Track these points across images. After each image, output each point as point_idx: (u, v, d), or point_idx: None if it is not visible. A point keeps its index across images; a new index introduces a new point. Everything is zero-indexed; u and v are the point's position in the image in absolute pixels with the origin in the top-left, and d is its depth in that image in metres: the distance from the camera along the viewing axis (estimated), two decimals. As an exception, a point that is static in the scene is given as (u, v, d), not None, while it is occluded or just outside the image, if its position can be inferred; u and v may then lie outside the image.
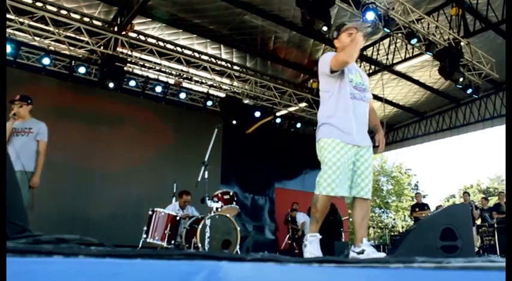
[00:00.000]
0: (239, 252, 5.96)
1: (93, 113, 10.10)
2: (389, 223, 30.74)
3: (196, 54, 10.94)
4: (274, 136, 13.21)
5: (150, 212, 6.38)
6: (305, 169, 13.16)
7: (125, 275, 0.82)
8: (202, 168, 6.15)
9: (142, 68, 10.46)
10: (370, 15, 7.95)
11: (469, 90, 10.55)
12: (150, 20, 9.77)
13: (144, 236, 6.22)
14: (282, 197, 12.73)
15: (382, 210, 31.37)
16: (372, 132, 3.51)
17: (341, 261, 0.88)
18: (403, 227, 28.45)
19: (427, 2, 9.41)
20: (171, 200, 7.47)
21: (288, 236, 11.16)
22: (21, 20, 8.35)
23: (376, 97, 13.39)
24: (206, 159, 6.21)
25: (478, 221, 10.62)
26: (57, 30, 8.78)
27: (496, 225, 9.81)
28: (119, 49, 9.52)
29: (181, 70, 10.73)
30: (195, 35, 10.45)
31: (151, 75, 11.21)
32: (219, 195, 6.52)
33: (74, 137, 9.67)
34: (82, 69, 10.01)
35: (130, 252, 0.95)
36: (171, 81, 11.47)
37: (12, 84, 6.42)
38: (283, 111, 13.23)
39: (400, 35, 9.13)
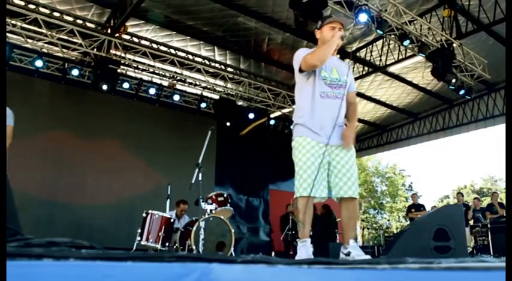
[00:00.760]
0: (233, 254, 5.96)
1: (86, 115, 10.08)
2: (384, 224, 30.83)
3: (190, 56, 10.94)
4: (268, 138, 13.21)
5: (144, 215, 6.37)
6: (299, 170, 13.11)
7: (116, 278, 0.82)
8: (196, 170, 6.13)
9: (136, 70, 10.44)
10: (363, 17, 7.98)
11: (462, 91, 10.60)
12: (143, 22, 9.77)
13: (138, 238, 6.21)
14: (276, 198, 12.72)
15: (377, 211, 31.45)
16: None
17: (330, 262, 0.89)
18: (397, 228, 28.53)
19: (419, 3, 9.47)
20: (165, 202, 7.45)
21: (282, 237, 11.05)
22: (13, 22, 8.31)
23: (369, 98, 13.49)
24: (200, 161, 6.19)
25: (472, 222, 10.66)
26: (50, 33, 8.75)
27: (489, 225, 9.85)
28: (113, 51, 9.50)
29: (175, 72, 10.72)
30: (188, 37, 10.46)
31: (145, 78, 11.19)
32: (213, 197, 6.52)
33: (67, 139, 9.64)
34: (75, 72, 9.98)
35: (121, 255, 0.95)
36: (165, 83, 11.45)
37: (5, 86, 6.37)
38: (277, 113, 13.25)
39: (392, 36, 9.17)
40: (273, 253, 11.10)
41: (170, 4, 9.13)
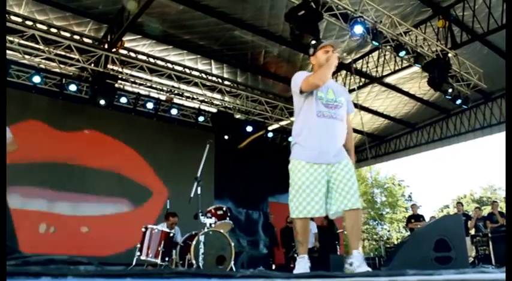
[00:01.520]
0: (234, 268, 5.92)
1: (84, 130, 10.08)
2: (384, 234, 30.68)
3: (187, 70, 10.97)
4: (266, 150, 13.21)
5: (143, 229, 6.34)
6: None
7: (114, 295, 0.82)
8: (195, 184, 6.12)
9: (133, 85, 10.46)
10: (358, 29, 8.04)
11: (458, 101, 10.64)
12: (140, 36, 9.82)
13: (138, 253, 6.18)
14: (275, 211, 12.65)
15: (377, 222, 31.32)
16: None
17: (327, 276, 0.88)
18: (398, 239, 28.41)
19: (414, 14, 9.55)
20: (163, 217, 7.43)
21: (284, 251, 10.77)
22: (11, 38, 8.34)
23: (366, 109, 13.52)
24: (199, 175, 6.18)
25: (472, 231, 10.62)
26: (47, 48, 8.78)
27: (490, 234, 9.82)
28: (110, 66, 9.53)
29: (172, 86, 10.75)
30: (185, 51, 10.50)
31: (142, 92, 11.22)
32: (213, 211, 6.51)
33: (65, 154, 9.63)
34: (73, 87, 10.00)
35: (120, 271, 0.94)
36: (163, 97, 11.47)
37: (2, 103, 6.37)
38: (275, 125, 13.26)
39: (388, 47, 9.23)
40: (273, 266, 11.02)
41: (166, 19, 9.18)
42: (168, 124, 11.84)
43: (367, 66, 11.35)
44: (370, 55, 11.07)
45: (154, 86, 10.60)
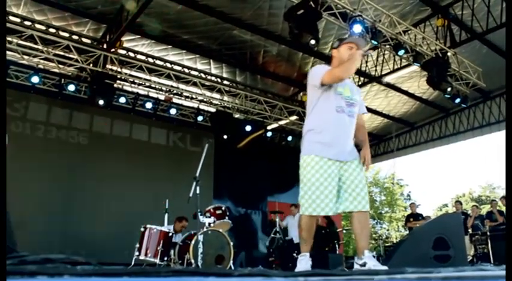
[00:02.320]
0: (233, 267, 5.92)
1: (83, 131, 10.08)
2: (384, 233, 30.68)
3: (186, 70, 10.96)
4: (265, 150, 13.21)
5: (142, 229, 6.34)
6: (297, 181, 13.01)
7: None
8: (194, 183, 6.11)
9: (132, 85, 10.46)
10: (357, 28, 8.03)
11: (457, 100, 10.64)
12: (139, 36, 9.81)
13: (137, 253, 6.17)
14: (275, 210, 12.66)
15: (376, 221, 31.32)
16: (358, 146, 3.45)
17: (327, 274, 0.88)
18: (397, 238, 28.40)
19: (413, 13, 9.55)
20: (163, 216, 7.41)
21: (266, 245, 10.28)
22: (9, 39, 8.32)
23: (366, 108, 13.51)
24: (197, 174, 6.17)
25: (471, 230, 10.62)
26: (46, 49, 8.77)
27: (489, 233, 9.82)
28: (109, 66, 9.51)
29: (171, 86, 10.74)
30: (184, 51, 10.49)
31: (141, 92, 11.21)
32: (211, 210, 6.51)
33: (65, 155, 9.64)
34: (72, 87, 9.99)
35: (117, 270, 0.94)
36: (161, 97, 11.46)
37: (1, 103, 6.37)
38: (274, 125, 13.25)
39: (387, 46, 9.23)
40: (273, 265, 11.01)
41: (165, 19, 9.17)
42: (167, 124, 11.83)
43: (366, 65, 11.35)
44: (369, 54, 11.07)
45: (153, 85, 10.60)
